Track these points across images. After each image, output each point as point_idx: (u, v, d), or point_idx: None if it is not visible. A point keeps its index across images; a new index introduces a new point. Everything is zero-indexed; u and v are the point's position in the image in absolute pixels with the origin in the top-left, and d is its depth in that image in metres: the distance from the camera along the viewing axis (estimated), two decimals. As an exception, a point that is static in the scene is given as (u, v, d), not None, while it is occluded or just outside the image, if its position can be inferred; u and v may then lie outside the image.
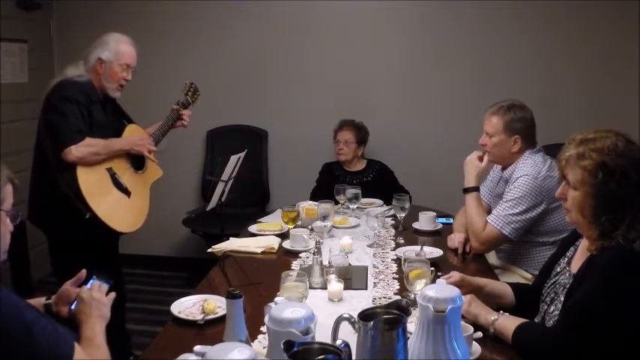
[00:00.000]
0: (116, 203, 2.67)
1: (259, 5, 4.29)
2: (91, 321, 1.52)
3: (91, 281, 1.67)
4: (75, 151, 2.52)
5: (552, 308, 1.75)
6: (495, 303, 1.87)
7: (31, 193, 2.72)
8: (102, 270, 1.73)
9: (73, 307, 1.61)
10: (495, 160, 2.64)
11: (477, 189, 2.60)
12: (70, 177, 2.53)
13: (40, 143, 2.68)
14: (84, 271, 1.71)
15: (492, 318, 1.69)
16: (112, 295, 1.65)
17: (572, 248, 1.84)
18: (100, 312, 1.56)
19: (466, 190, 2.60)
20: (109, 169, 2.68)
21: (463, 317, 1.61)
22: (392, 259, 2.39)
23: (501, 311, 1.73)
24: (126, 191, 2.73)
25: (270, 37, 4.35)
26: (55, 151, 2.54)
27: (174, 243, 4.62)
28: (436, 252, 2.40)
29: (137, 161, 2.85)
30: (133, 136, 2.79)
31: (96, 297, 1.59)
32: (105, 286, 1.65)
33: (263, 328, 1.67)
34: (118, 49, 2.72)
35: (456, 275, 1.87)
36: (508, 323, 1.66)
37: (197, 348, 1.43)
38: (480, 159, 2.61)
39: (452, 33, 4.17)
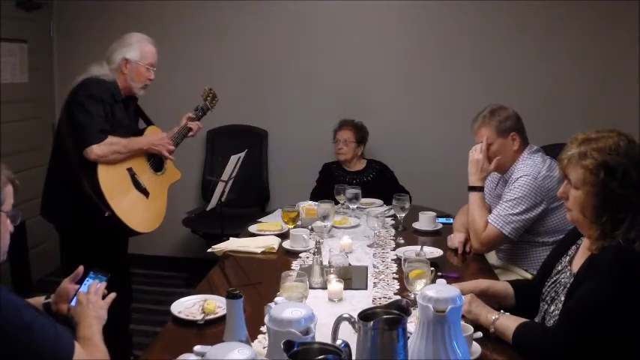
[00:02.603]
0: (135, 203, 2.69)
1: (260, 5, 4.29)
2: (87, 322, 1.53)
3: (89, 277, 1.68)
4: (97, 150, 2.53)
5: (552, 308, 1.75)
6: (497, 303, 1.87)
7: (47, 188, 2.73)
8: (104, 267, 1.74)
9: (73, 303, 1.62)
10: (500, 168, 2.59)
11: (482, 189, 2.60)
12: (91, 175, 2.54)
13: (60, 140, 2.67)
14: (81, 268, 1.73)
15: (493, 318, 1.68)
16: (111, 297, 1.65)
17: (573, 247, 1.84)
18: (96, 313, 1.56)
19: (473, 189, 2.58)
20: (130, 170, 2.70)
21: (463, 317, 1.61)
22: (392, 259, 2.39)
23: (502, 311, 1.73)
24: (145, 192, 2.75)
25: (271, 37, 4.35)
26: (78, 149, 2.55)
27: (174, 243, 4.62)
28: (436, 252, 2.40)
29: (157, 163, 2.88)
30: (153, 136, 2.82)
31: (92, 300, 1.59)
32: (102, 287, 1.65)
33: (263, 328, 1.67)
34: (142, 49, 2.74)
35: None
36: (508, 323, 1.66)
37: (197, 348, 1.43)
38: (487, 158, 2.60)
39: (452, 33, 4.16)
